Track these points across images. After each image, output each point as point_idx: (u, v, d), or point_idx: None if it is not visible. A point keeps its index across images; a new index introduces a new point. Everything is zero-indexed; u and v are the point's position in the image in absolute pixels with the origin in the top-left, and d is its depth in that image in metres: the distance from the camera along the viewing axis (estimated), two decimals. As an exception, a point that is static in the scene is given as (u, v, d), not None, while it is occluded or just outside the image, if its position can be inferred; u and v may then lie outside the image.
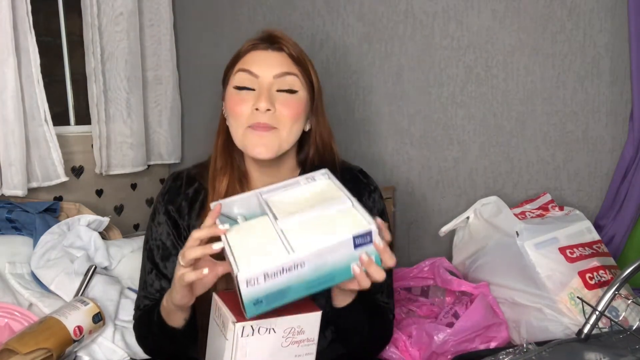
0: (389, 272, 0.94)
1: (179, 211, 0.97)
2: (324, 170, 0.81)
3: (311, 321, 0.76)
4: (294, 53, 0.94)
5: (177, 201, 0.97)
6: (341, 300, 0.85)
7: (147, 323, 0.93)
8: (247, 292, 0.65)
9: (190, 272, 0.73)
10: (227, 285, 0.87)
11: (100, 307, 1.12)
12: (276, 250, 0.67)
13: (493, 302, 1.30)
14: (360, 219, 0.71)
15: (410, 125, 1.66)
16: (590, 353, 0.84)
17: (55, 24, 1.75)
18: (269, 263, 0.65)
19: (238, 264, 0.66)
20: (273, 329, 0.73)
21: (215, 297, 0.80)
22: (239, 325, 0.71)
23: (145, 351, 1.01)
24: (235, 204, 0.79)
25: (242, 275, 0.64)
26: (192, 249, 0.72)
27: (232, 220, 0.78)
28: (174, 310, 0.83)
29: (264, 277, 0.65)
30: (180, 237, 0.97)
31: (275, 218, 0.73)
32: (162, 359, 0.98)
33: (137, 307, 1.00)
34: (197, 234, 0.73)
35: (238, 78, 0.92)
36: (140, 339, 1.00)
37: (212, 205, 0.77)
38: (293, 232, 0.70)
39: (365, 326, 0.91)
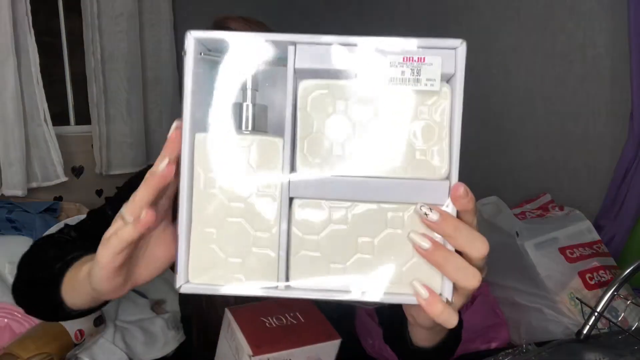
0: None
1: None
2: (460, 52, 0.39)
3: (329, 349, 0.69)
4: None
5: None
6: (426, 339, 0.53)
7: (43, 251, 0.66)
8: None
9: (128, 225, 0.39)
10: None
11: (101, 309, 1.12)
12: (258, 271, 0.39)
13: (493, 303, 1.30)
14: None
15: (410, 125, 1.66)
16: (589, 353, 0.84)
17: (55, 24, 1.75)
18: (234, 290, 0.40)
19: (189, 271, 0.40)
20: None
21: (228, 314, 0.67)
22: (256, 359, 0.66)
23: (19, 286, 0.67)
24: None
25: (185, 289, 0.39)
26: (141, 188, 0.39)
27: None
28: (88, 292, 0.49)
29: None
30: None
31: (292, 169, 0.39)
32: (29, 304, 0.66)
33: (67, 230, 0.74)
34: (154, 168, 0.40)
35: None
36: (29, 260, 0.68)
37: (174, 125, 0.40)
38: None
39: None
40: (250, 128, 0.41)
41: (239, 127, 0.41)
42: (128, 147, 1.82)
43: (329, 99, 0.39)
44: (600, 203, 1.46)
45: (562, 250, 1.28)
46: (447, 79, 0.41)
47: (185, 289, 0.39)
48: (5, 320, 1.13)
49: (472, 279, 0.37)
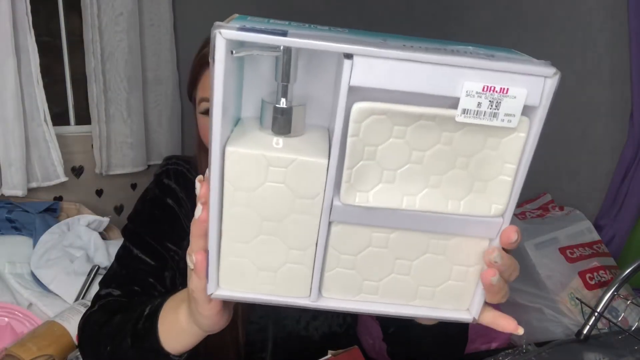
0: None
1: (184, 187, 0.79)
2: (550, 83, 0.35)
3: None
4: None
5: (179, 179, 0.80)
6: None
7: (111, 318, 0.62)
8: None
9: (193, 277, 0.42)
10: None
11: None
12: (290, 283, 0.38)
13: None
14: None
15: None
16: (589, 354, 0.84)
17: (55, 24, 1.75)
18: (266, 299, 0.39)
19: (219, 279, 0.38)
20: None
21: None
22: None
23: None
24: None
25: (215, 295, 0.39)
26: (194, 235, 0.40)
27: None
28: (194, 333, 0.50)
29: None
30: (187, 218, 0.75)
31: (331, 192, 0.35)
32: None
33: (106, 290, 0.69)
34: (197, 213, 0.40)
35: (203, 106, 0.78)
36: (95, 339, 0.62)
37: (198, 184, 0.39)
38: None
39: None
40: (288, 133, 0.35)
41: (272, 131, 0.35)
42: (128, 147, 1.82)
43: (385, 126, 0.33)
44: (600, 203, 1.47)
45: (562, 250, 1.29)
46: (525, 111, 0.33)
47: (217, 295, 0.38)
48: (6, 319, 1.13)
49: (505, 298, 0.41)
